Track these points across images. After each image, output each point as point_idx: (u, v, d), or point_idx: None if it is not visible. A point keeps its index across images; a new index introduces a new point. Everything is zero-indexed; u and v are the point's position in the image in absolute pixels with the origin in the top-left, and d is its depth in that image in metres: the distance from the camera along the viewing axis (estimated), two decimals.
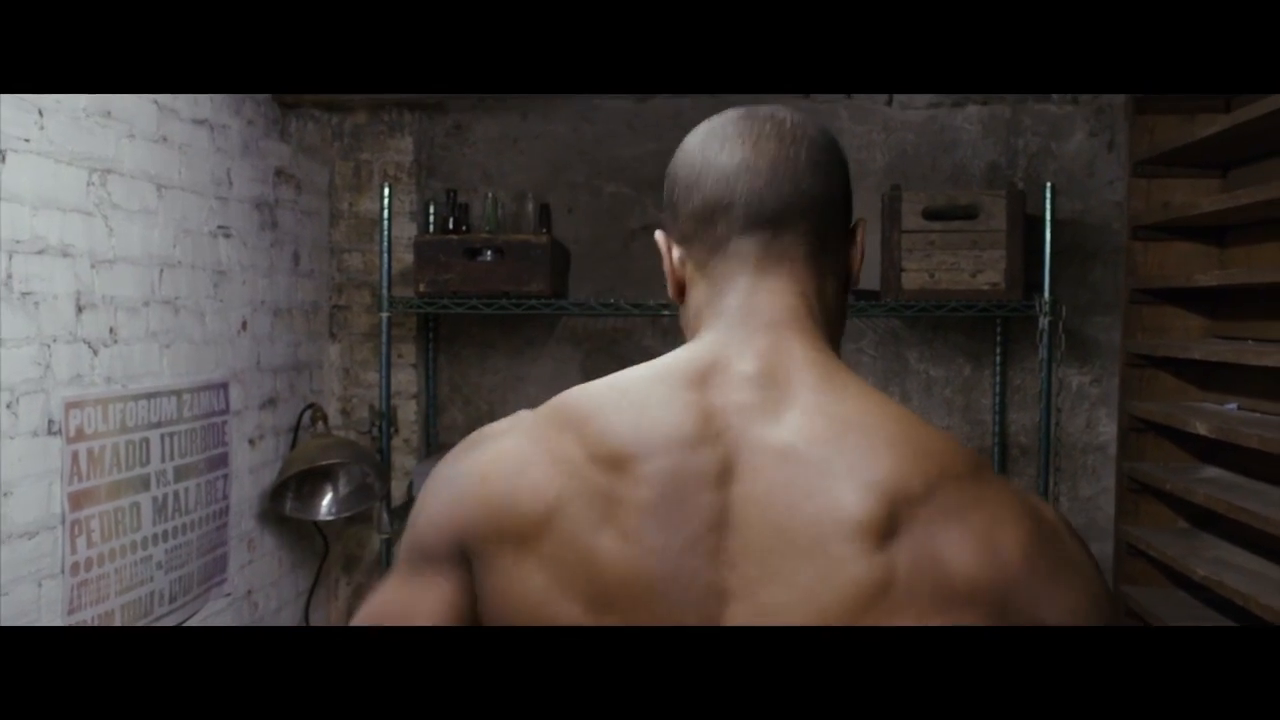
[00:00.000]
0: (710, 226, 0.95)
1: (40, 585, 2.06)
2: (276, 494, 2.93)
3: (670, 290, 1.01)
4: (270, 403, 3.02)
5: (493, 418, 3.36)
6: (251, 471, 2.91)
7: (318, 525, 3.23)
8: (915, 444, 0.87)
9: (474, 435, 0.98)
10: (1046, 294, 2.94)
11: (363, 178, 3.40)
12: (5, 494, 1.97)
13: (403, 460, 3.39)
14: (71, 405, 2.15)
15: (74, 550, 2.16)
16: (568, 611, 0.87)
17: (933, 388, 3.45)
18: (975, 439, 3.42)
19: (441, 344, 3.54)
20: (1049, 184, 2.97)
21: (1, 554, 1.96)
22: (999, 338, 3.37)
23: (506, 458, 0.92)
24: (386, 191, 3.07)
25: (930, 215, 2.99)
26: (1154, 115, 3.04)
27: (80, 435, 2.18)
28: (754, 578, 0.85)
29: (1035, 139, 3.39)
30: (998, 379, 3.38)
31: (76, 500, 2.17)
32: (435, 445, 3.52)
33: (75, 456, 2.16)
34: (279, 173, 3.05)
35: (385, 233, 3.06)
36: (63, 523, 2.12)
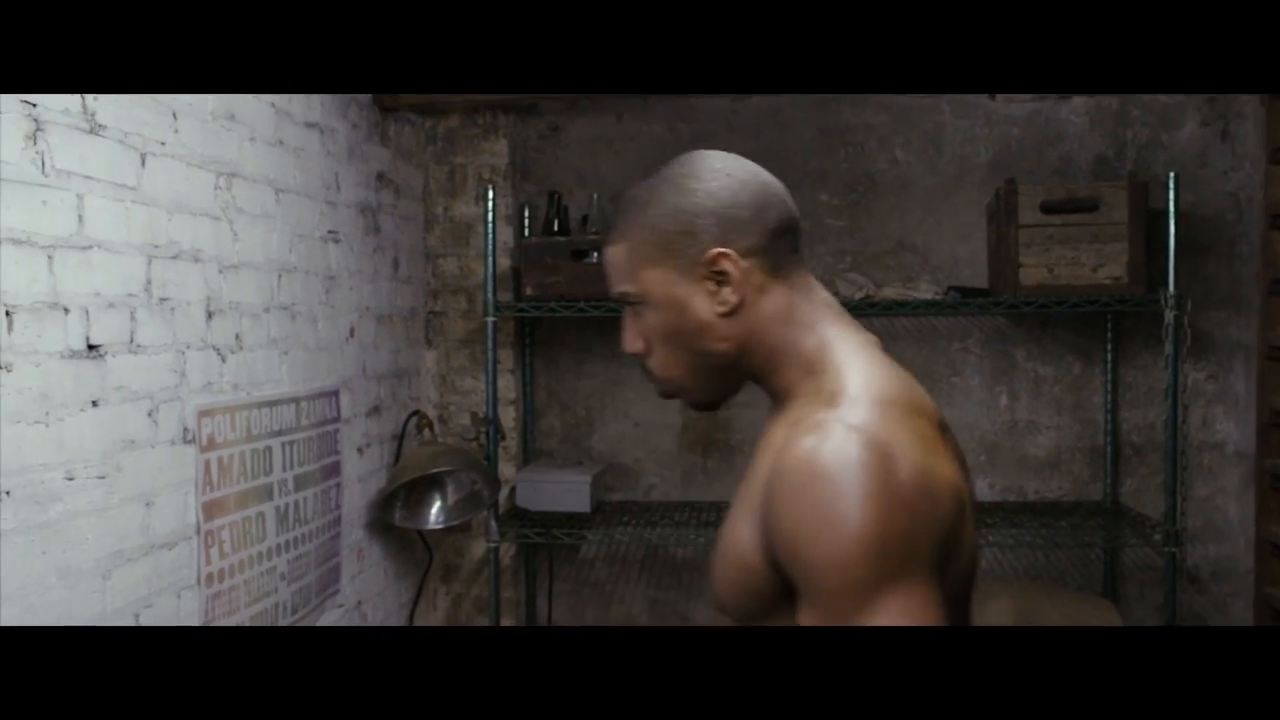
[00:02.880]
0: (781, 239, 1.18)
1: (179, 596, 2.02)
2: (385, 503, 2.88)
3: (731, 297, 1.16)
4: (375, 410, 2.97)
5: (590, 424, 3.31)
6: (360, 480, 2.87)
7: (422, 534, 3.19)
8: None
9: (868, 439, 1.01)
10: (1171, 288, 2.85)
11: (457, 182, 3.36)
12: (148, 504, 1.92)
13: (503, 468, 3.33)
14: (204, 413, 2.11)
15: (208, 561, 2.11)
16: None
17: (1041, 386, 3.36)
18: (1086, 438, 3.33)
19: (538, 349, 3.49)
20: (1173, 174, 2.88)
21: (145, 565, 1.91)
22: (1110, 334, 3.29)
23: (926, 450, 1.04)
24: (491, 194, 3.02)
25: (1048, 209, 2.91)
26: None
27: (212, 444, 2.14)
28: None
29: (1144, 130, 3.30)
30: (1109, 377, 3.29)
31: (209, 510, 2.12)
32: (533, 452, 3.46)
33: (208, 466, 2.12)
34: (380, 177, 3.01)
35: (490, 236, 3.01)
36: (198, 533, 2.08)
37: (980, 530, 1.38)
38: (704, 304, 1.16)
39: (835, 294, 3.13)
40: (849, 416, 1.04)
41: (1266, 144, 3.02)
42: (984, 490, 3.35)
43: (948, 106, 3.36)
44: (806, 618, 1.01)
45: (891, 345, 2.73)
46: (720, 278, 1.16)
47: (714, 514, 3.25)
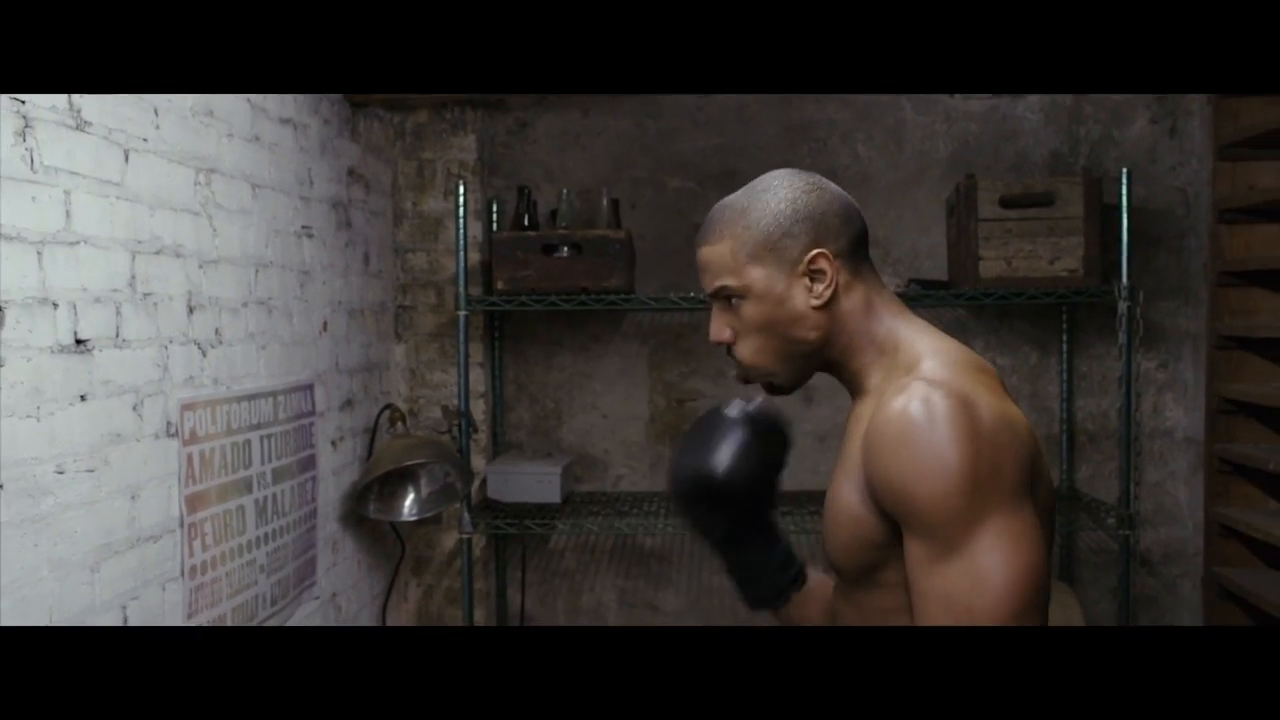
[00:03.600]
0: (861, 246, 1.37)
1: (164, 589, 2.04)
2: (360, 496, 2.91)
3: (825, 291, 1.33)
4: (348, 404, 3.00)
5: (559, 416, 3.36)
6: (335, 473, 2.89)
7: (394, 527, 3.21)
8: None
9: (948, 391, 1.18)
10: (1124, 279, 2.95)
11: (426, 177, 3.38)
12: (133, 497, 1.94)
13: (473, 460, 3.36)
14: (186, 407, 2.13)
15: (191, 554, 2.13)
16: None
17: (999, 375, 3.44)
18: (1042, 426, 3.43)
19: (507, 343, 3.52)
20: (1126, 170, 2.98)
21: (132, 557, 1.93)
22: (1065, 325, 3.38)
23: (997, 397, 1.22)
24: (462, 189, 3.05)
25: (1007, 203, 2.99)
26: (1238, 100, 3.05)
27: (194, 438, 2.15)
28: None
29: (1097, 126, 3.40)
30: (1064, 366, 3.39)
31: (192, 503, 2.14)
32: (503, 444, 3.50)
33: (190, 459, 2.14)
34: (351, 172, 3.03)
35: (461, 230, 3.04)
36: (181, 525, 2.10)
37: None
38: (801, 297, 1.33)
39: None
40: (929, 376, 1.22)
41: (1213, 141, 3.13)
42: None
43: (908, 103, 3.44)
44: (916, 550, 1.18)
45: None
46: (816, 275, 1.33)
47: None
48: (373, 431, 3.13)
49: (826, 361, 1.38)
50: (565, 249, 3.02)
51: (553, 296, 3.02)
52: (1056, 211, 2.98)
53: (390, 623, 3.25)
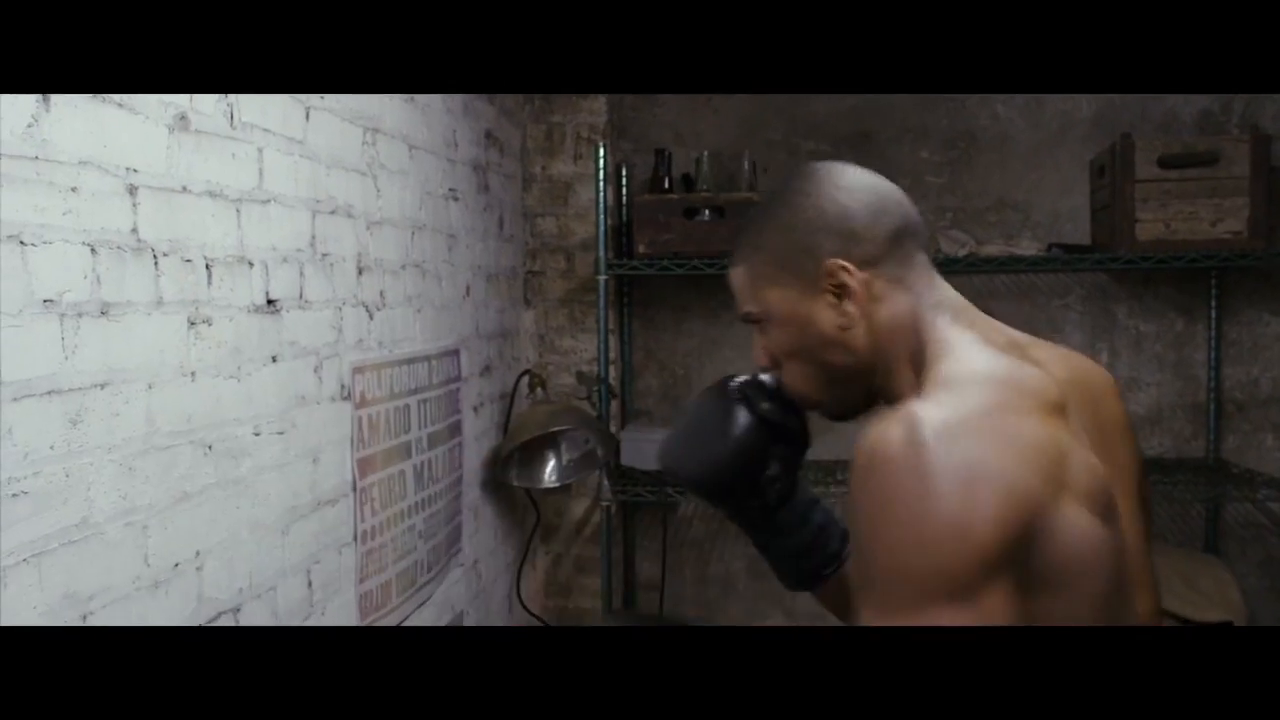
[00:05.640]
0: (899, 245, 1.16)
1: (340, 553, 2.02)
2: (502, 462, 2.88)
3: (852, 309, 1.15)
4: (487, 370, 2.97)
5: (688, 384, 3.31)
6: (476, 439, 2.86)
7: (530, 494, 3.19)
8: None
9: (935, 423, 0.97)
10: None
11: (555, 140, 3.33)
12: (315, 460, 1.92)
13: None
14: (357, 370, 2.10)
15: (362, 519, 2.11)
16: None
17: (1142, 343, 3.34)
18: (1188, 394, 3.32)
19: (635, 309, 3.48)
20: None
21: (314, 521, 1.92)
22: (1214, 290, 3.26)
23: (1006, 447, 0.99)
24: (602, 152, 3.00)
25: (1166, 163, 2.88)
26: None
27: (364, 401, 2.13)
28: None
29: None
30: (1213, 333, 3.27)
31: (363, 468, 2.12)
32: (632, 411, 3.46)
33: (360, 423, 2.11)
34: (488, 135, 2.99)
35: (601, 194, 2.99)
36: (354, 490, 2.08)
37: None
38: (826, 318, 1.16)
39: (937, 251, 3.12)
40: (923, 401, 1.02)
41: None
42: None
43: None
44: (861, 610, 0.98)
45: (992, 303, 2.71)
46: (840, 291, 1.15)
47: (814, 472, 3.25)
48: (510, 397, 3.10)
49: (874, 388, 1.19)
50: (707, 212, 2.95)
51: (695, 261, 2.96)
52: (1220, 171, 2.86)
53: (523, 591, 3.23)
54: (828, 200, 1.16)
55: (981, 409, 1.00)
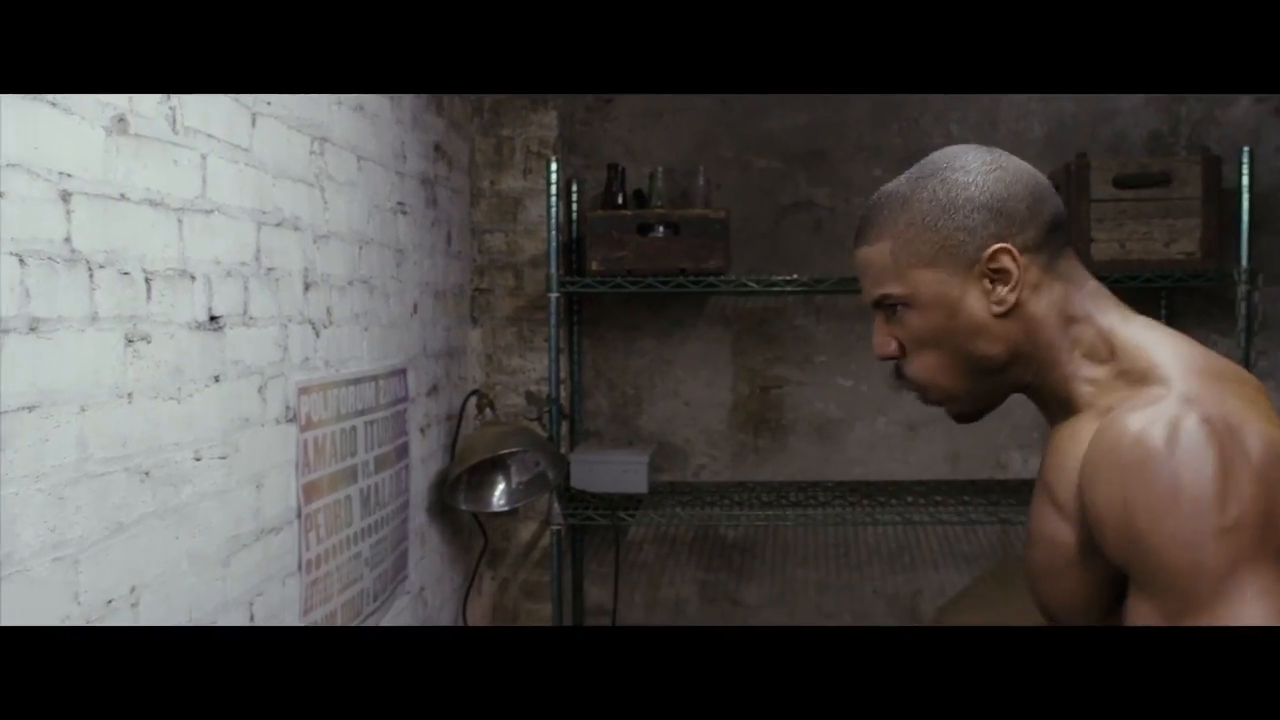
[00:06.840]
0: (1055, 234, 1.12)
1: (284, 584, 1.91)
2: (450, 485, 2.78)
3: (1009, 295, 1.10)
4: (434, 390, 2.87)
5: (638, 403, 3.23)
6: (423, 461, 2.76)
7: (477, 518, 3.09)
8: None
9: (1206, 412, 0.97)
10: (1245, 262, 2.84)
11: (504, 155, 3.25)
12: (258, 486, 1.82)
13: None
14: (303, 391, 2.00)
15: (307, 547, 2.01)
16: None
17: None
18: None
19: (585, 327, 3.40)
20: (1247, 149, 2.86)
21: (258, 550, 1.81)
22: (1164, 311, 3.27)
23: (1265, 418, 1.00)
24: (553, 165, 2.92)
25: (1121, 183, 2.88)
26: None
27: (310, 423, 2.03)
28: None
29: (1199, 106, 3.28)
30: None
31: (308, 493, 2.01)
32: (581, 432, 3.38)
33: (306, 446, 2.01)
34: (437, 148, 2.90)
35: (553, 209, 2.91)
36: (299, 516, 1.97)
37: None
38: (979, 304, 1.11)
39: None
40: (1182, 393, 0.99)
41: None
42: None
43: None
44: (1143, 609, 0.96)
45: None
46: (998, 275, 1.10)
47: (767, 494, 3.19)
48: (458, 418, 3.00)
49: (1018, 382, 1.15)
50: (661, 229, 2.89)
51: (650, 279, 2.89)
52: (1173, 192, 2.87)
53: (469, 618, 3.12)
54: (993, 181, 1.10)
55: (1229, 397, 1.00)
